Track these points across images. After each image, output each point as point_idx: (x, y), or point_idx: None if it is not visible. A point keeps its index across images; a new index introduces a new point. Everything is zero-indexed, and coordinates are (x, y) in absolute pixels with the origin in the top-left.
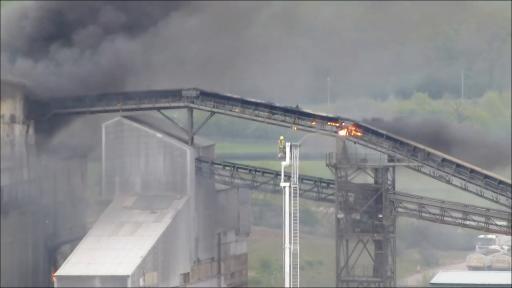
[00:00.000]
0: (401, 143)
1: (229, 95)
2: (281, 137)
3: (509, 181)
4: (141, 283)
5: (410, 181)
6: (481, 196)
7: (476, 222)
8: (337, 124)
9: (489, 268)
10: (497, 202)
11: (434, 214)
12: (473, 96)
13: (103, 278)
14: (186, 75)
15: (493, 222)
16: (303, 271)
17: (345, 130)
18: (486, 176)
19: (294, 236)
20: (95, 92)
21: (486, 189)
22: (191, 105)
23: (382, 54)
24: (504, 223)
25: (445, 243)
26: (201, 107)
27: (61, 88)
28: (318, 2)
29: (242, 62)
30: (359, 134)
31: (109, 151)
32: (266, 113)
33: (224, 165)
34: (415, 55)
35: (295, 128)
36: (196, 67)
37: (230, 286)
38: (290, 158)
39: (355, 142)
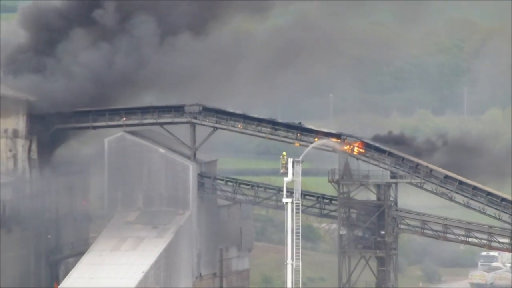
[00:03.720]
0: (404, 159)
1: (232, 110)
2: (284, 153)
3: (510, 198)
4: None
5: (412, 198)
6: (484, 213)
7: (478, 239)
8: (340, 140)
9: (491, 285)
10: (499, 219)
11: (436, 231)
12: (475, 113)
13: None
14: (189, 90)
15: (495, 240)
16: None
17: (348, 146)
18: (489, 193)
19: (296, 252)
20: (97, 106)
21: (489, 206)
22: (194, 120)
23: (383, 70)
24: (506, 240)
25: (447, 260)
26: (203, 122)
27: (64, 102)
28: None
29: (243, 78)
30: (361, 150)
31: (111, 166)
32: (269, 129)
33: (227, 181)
34: (417, 71)
35: (298, 144)
36: (199, 83)
37: None
38: (293, 174)
39: (357, 159)
